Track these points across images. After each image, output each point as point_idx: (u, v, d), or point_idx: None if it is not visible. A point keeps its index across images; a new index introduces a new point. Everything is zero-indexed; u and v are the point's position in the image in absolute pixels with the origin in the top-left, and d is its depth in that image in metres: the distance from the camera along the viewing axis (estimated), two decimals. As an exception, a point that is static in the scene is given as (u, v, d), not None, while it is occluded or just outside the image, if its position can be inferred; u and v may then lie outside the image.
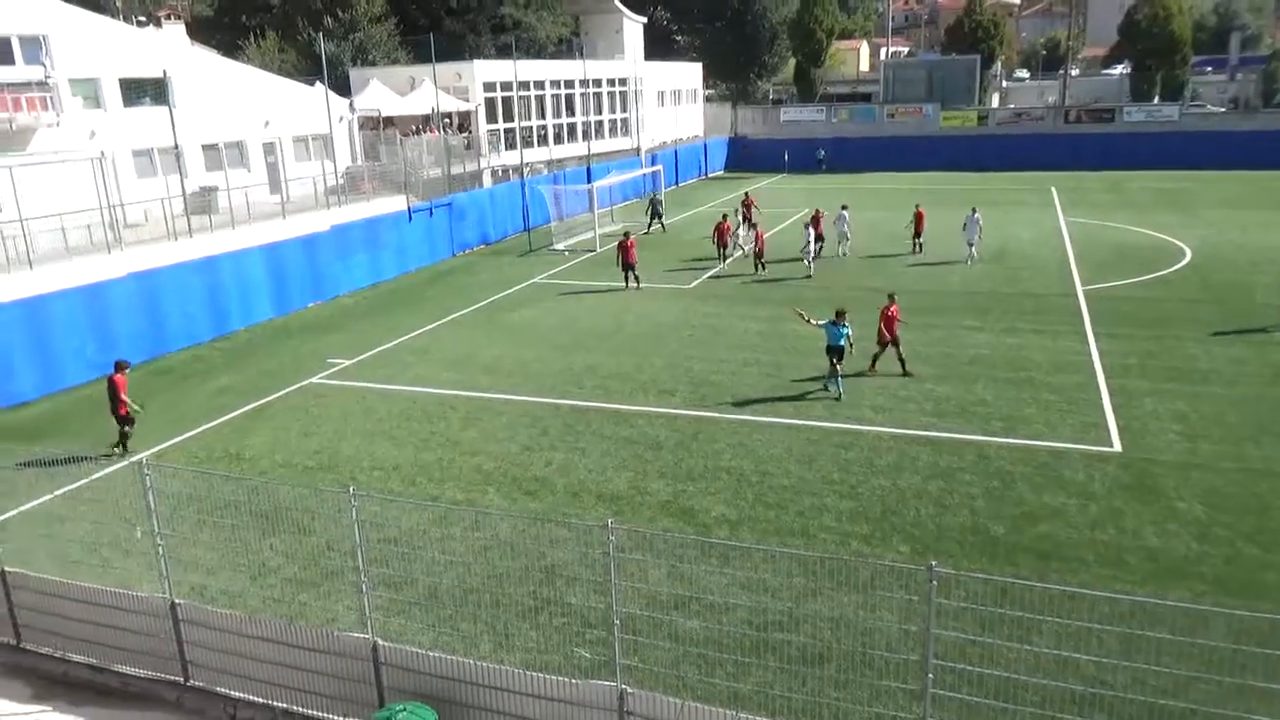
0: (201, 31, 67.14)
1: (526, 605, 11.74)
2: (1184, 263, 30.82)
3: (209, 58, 40.30)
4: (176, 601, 10.21)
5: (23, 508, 14.73)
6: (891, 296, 20.86)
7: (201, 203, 29.61)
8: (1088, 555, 12.58)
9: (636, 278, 29.78)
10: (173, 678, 10.44)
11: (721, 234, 33.40)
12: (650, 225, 40.58)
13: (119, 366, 17.34)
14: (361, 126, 41.46)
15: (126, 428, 17.29)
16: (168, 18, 62.61)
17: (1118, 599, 10.16)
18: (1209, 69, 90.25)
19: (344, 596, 11.96)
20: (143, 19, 69.73)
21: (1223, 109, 70.79)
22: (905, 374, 20.16)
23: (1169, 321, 23.77)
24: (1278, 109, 69.61)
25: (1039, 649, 9.81)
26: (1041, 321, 24.24)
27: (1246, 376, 19.45)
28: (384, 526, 13.46)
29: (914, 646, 9.93)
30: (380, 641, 9.39)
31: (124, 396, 17.02)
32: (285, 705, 9.87)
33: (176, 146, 30.28)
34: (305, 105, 37.56)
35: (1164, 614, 9.82)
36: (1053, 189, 50.77)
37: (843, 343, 19.02)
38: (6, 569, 11.19)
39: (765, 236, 32.30)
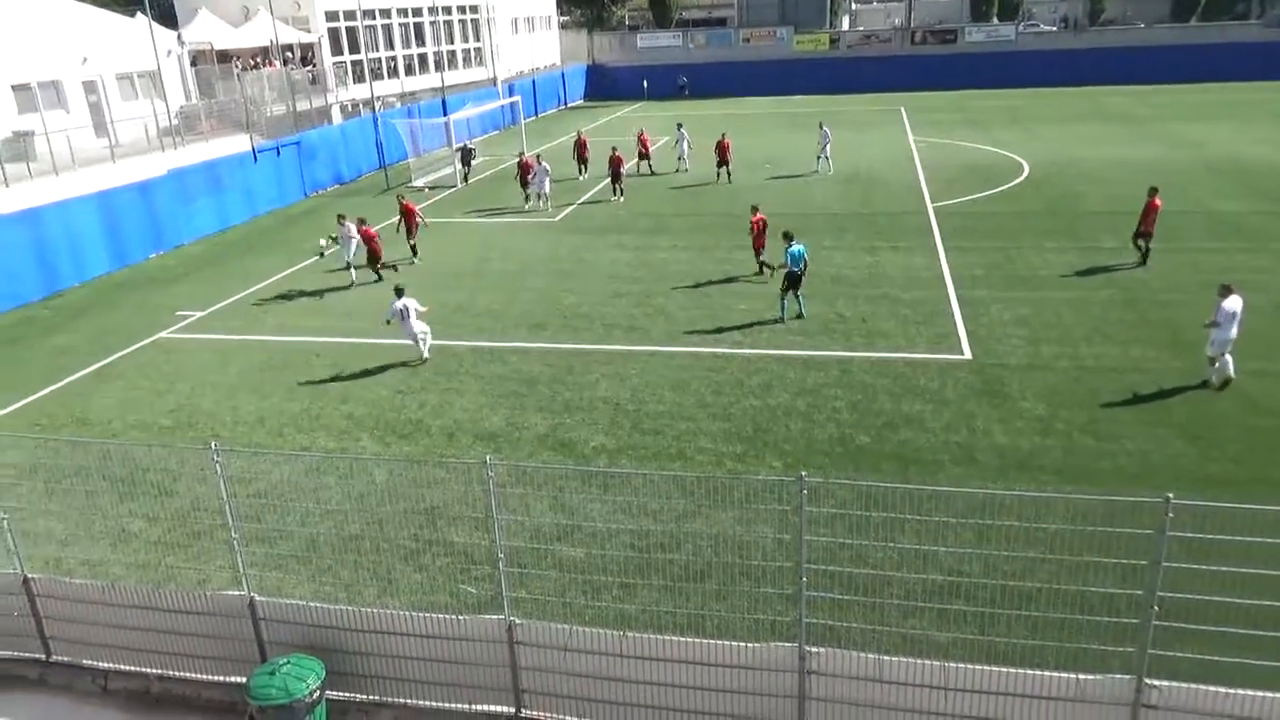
0: (-2, -42, 60.47)
1: (409, 548, 11.64)
2: (1022, 177, 32.57)
3: (10, -13, 36.42)
4: (30, 576, 9.63)
5: None
6: (755, 208, 22.00)
7: (17, 149, 27.12)
8: (944, 456, 13.41)
9: (621, 190, 31.72)
10: (33, 655, 9.90)
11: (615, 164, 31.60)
12: (466, 177, 36.50)
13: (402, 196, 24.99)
14: (194, 62, 38.61)
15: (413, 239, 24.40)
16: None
17: (971, 493, 10.89)
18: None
19: (215, 556, 11.54)
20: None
21: (1054, 28, 74.36)
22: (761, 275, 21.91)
23: (1010, 233, 25.18)
24: (1104, 27, 73.75)
25: (902, 546, 10.45)
26: (895, 238, 25.25)
27: (1078, 281, 20.89)
28: (253, 481, 13.00)
29: (788, 554, 10.40)
30: (257, 597, 9.14)
31: (419, 220, 24.74)
32: (159, 671, 9.54)
33: (-19, 87, 27.52)
34: (128, 39, 34.59)
35: (1011, 504, 10.62)
36: (902, 109, 52.42)
37: (800, 266, 18.82)
38: None
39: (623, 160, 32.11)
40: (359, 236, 22.89)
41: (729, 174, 33.68)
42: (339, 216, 23.88)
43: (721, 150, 33.53)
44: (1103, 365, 16.29)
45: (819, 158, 34.75)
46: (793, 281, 18.97)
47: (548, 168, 30.91)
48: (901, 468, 13.10)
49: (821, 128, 35.04)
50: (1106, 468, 12.86)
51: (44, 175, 25.69)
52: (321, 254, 22.23)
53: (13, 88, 30.55)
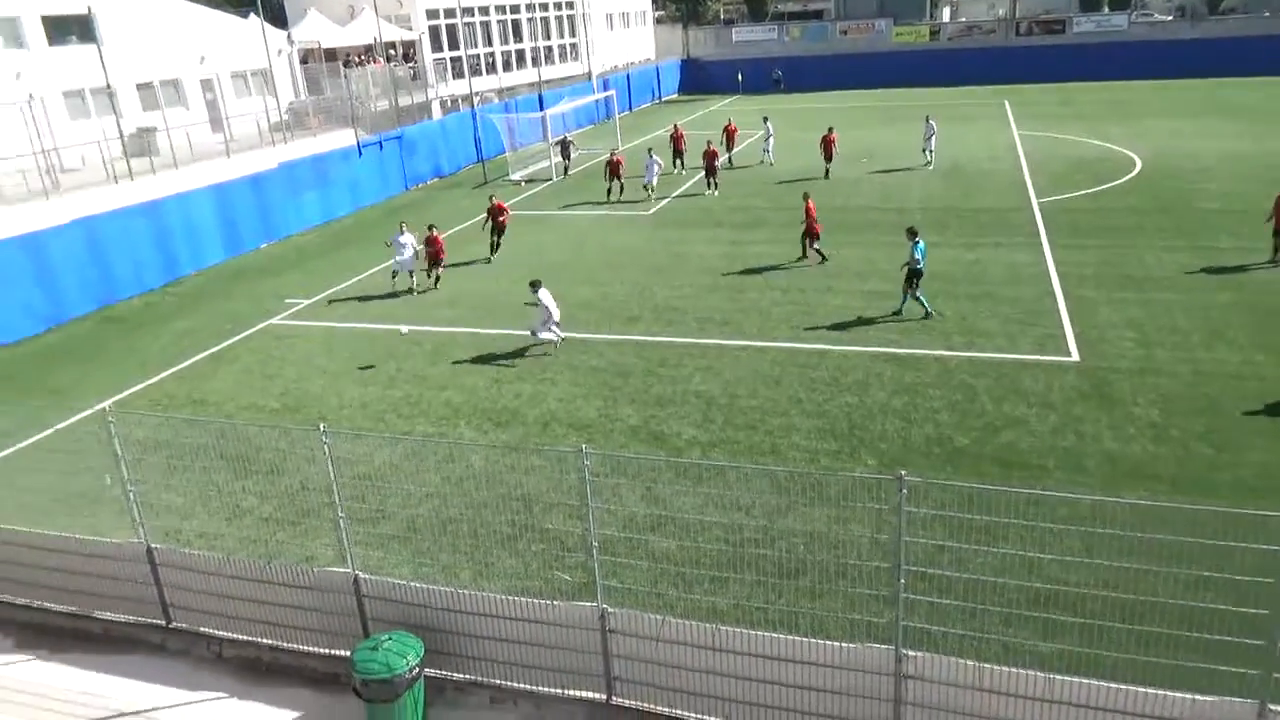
0: (125, -38, 63.76)
1: (504, 533, 11.87)
2: (1134, 173, 31.19)
3: (136, -10, 38.41)
4: (153, 546, 10.18)
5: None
6: (806, 195, 23.27)
7: (141, 144, 28.60)
8: (1049, 461, 12.97)
9: (716, 183, 31.74)
10: (155, 621, 10.45)
11: (709, 158, 31.65)
12: (566, 169, 37.37)
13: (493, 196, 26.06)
14: (303, 60, 40.06)
15: (499, 238, 25.22)
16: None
17: (1078, 500, 10.51)
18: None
19: (321, 534, 11.99)
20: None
21: (1169, 17, 70.90)
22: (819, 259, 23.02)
23: (1121, 231, 24.16)
24: (1223, 16, 69.97)
25: (1004, 551, 10.15)
26: (999, 235, 24.50)
27: (1195, 283, 19.90)
28: (356, 463, 13.43)
29: (885, 555, 10.21)
30: (361, 575, 9.45)
31: (505, 217, 25.22)
32: (271, 641, 9.96)
33: (109, 86, 29.05)
34: (241, 39, 36.13)
35: (1121, 513, 10.19)
36: (1005, 102, 50.80)
37: (924, 262, 18.79)
38: (-27, 523, 11.03)
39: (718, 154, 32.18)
40: (411, 243, 22.60)
41: (827, 169, 33.20)
42: (401, 224, 23.50)
43: (827, 145, 33.06)
44: (1222, 371, 15.50)
45: (924, 150, 34.24)
46: (917, 277, 18.77)
47: (659, 160, 31.64)
48: (1003, 471, 12.72)
49: (928, 121, 34.56)
50: (1226, 479, 12.24)
51: (165, 169, 27.04)
52: (388, 244, 22.43)
53: (137, 87, 32.28)
